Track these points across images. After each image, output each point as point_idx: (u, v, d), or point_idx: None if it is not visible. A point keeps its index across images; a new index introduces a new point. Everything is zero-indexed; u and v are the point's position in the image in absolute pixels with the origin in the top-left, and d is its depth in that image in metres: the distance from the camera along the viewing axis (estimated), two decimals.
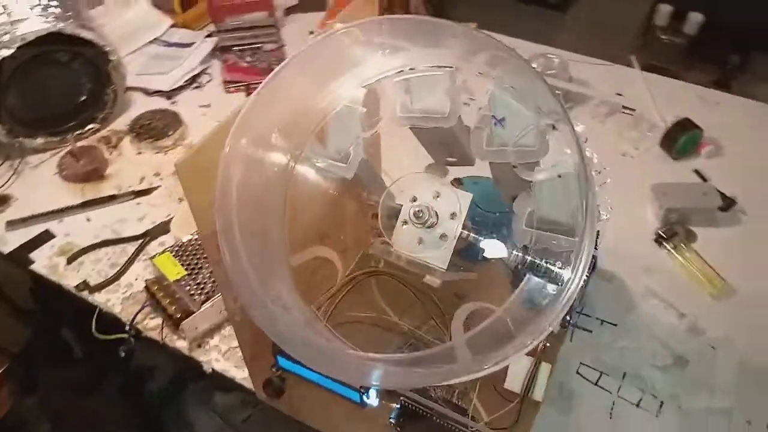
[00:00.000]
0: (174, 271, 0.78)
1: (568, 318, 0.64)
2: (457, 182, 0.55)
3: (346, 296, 0.65)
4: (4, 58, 0.91)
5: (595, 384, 0.73)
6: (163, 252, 0.80)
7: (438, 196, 0.56)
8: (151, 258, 0.79)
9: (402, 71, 0.55)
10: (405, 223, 0.56)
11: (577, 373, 0.73)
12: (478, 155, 0.53)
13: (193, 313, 0.74)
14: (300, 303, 0.53)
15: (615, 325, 0.78)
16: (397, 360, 0.49)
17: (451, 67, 0.54)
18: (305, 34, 1.26)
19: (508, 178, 0.57)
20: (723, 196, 0.90)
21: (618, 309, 0.80)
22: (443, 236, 0.55)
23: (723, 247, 0.86)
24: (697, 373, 0.72)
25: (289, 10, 1.29)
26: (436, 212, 0.55)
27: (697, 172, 0.96)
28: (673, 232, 0.86)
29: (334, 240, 0.66)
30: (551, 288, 0.50)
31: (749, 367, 0.73)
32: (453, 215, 0.55)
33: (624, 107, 1.06)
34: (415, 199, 0.56)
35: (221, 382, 0.74)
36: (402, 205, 0.56)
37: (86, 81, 1.02)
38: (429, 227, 0.55)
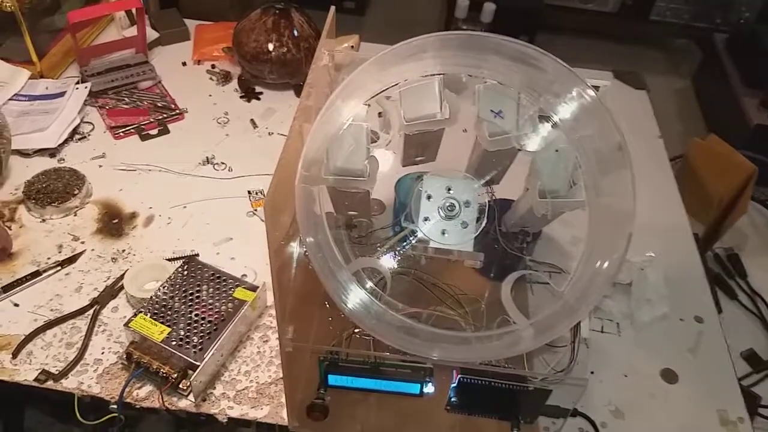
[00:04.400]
0: (156, 330, 0.73)
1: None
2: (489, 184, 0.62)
3: None
4: None
5: None
6: (135, 315, 0.74)
7: (450, 190, 0.62)
8: (126, 324, 0.73)
9: (397, 84, 0.60)
10: (426, 219, 0.61)
11: None
12: (485, 145, 0.60)
13: (195, 365, 0.71)
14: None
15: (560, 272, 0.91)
16: (480, 337, 0.55)
17: (440, 74, 0.60)
18: (178, 67, 1.21)
19: (484, 166, 0.65)
20: None
21: (557, 258, 0.93)
22: (464, 224, 0.61)
23: None
24: (637, 293, 0.88)
25: (149, 45, 1.23)
26: (457, 202, 0.61)
27: None
28: None
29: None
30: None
31: (670, 281, 0.90)
32: (467, 203, 0.62)
33: None
34: (430, 197, 0.62)
35: None
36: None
37: None
38: (451, 218, 0.61)
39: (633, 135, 1.12)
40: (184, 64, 1.22)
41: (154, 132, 1.07)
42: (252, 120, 1.11)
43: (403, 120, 0.60)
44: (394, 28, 2.61)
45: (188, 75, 1.21)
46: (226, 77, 1.20)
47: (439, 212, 0.60)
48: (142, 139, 1.06)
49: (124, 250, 0.88)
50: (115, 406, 0.72)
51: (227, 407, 0.72)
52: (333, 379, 0.63)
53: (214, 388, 0.74)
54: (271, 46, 1.12)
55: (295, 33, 1.13)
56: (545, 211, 0.60)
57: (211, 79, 1.20)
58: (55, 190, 0.92)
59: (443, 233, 0.61)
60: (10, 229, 0.89)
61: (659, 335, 0.85)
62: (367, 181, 0.59)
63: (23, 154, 1.00)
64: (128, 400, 0.72)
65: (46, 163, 0.99)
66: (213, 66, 1.23)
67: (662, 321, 0.86)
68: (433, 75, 0.60)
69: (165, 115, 1.09)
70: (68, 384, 0.73)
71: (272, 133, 1.09)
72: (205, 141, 1.06)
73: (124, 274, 0.82)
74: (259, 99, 1.17)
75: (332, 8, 0.68)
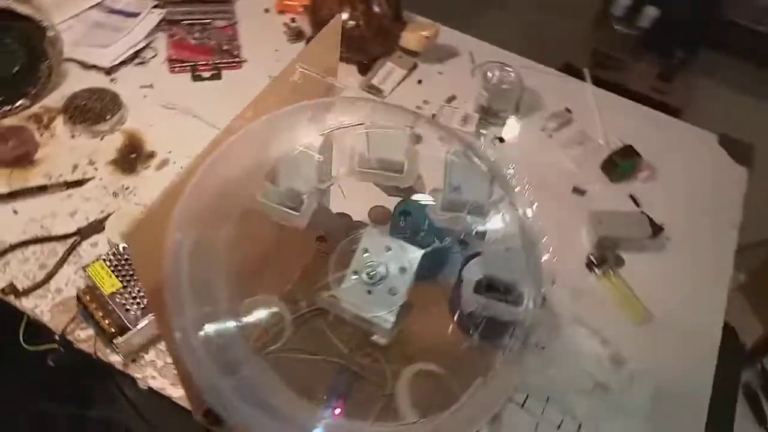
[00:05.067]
0: (108, 282, 0.75)
1: None
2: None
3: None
4: None
5: (522, 406, 0.77)
6: (97, 260, 0.76)
7: (389, 250, 0.56)
8: (84, 268, 0.76)
9: (362, 124, 0.54)
10: (355, 273, 0.56)
11: None
12: (433, 218, 0.54)
13: (128, 328, 0.72)
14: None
15: (542, 348, 0.82)
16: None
17: (411, 127, 0.54)
18: (260, 13, 1.20)
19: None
20: (652, 223, 0.94)
21: (545, 331, 0.84)
22: (392, 290, 0.56)
23: (647, 272, 0.91)
24: (616, 400, 0.78)
25: None
26: (386, 266, 0.55)
27: (632, 197, 1.00)
28: (604, 258, 0.90)
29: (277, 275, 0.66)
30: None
31: (663, 395, 0.79)
32: (402, 270, 0.56)
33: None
34: (366, 251, 0.56)
35: None
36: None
37: (19, 55, 0.94)
38: (378, 281, 0.55)
39: (710, 216, 0.98)
40: (266, 10, 1.21)
41: (206, 75, 1.07)
42: None
43: (355, 164, 0.54)
44: (538, 17, 2.41)
45: (265, 23, 1.19)
46: (298, 36, 1.17)
47: (365, 273, 0.55)
48: (194, 80, 1.06)
49: (128, 188, 0.90)
50: (57, 338, 0.76)
51: (150, 376, 0.74)
52: None
53: (148, 353, 0.75)
54: (343, 17, 1.06)
55: (375, 8, 1.07)
56: (475, 308, 0.53)
57: (284, 33, 1.17)
58: (92, 110, 0.96)
59: (368, 293, 0.56)
60: (41, 136, 0.94)
61: None
62: (299, 217, 0.55)
63: (84, 65, 1.04)
64: (69, 338, 0.75)
65: (98, 80, 1.03)
66: (293, 20, 1.20)
67: None
68: (404, 127, 0.54)
69: (223, 61, 1.08)
70: (26, 303, 0.77)
71: None
72: (250, 97, 1.04)
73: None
74: None
75: (337, 16, 0.61)
